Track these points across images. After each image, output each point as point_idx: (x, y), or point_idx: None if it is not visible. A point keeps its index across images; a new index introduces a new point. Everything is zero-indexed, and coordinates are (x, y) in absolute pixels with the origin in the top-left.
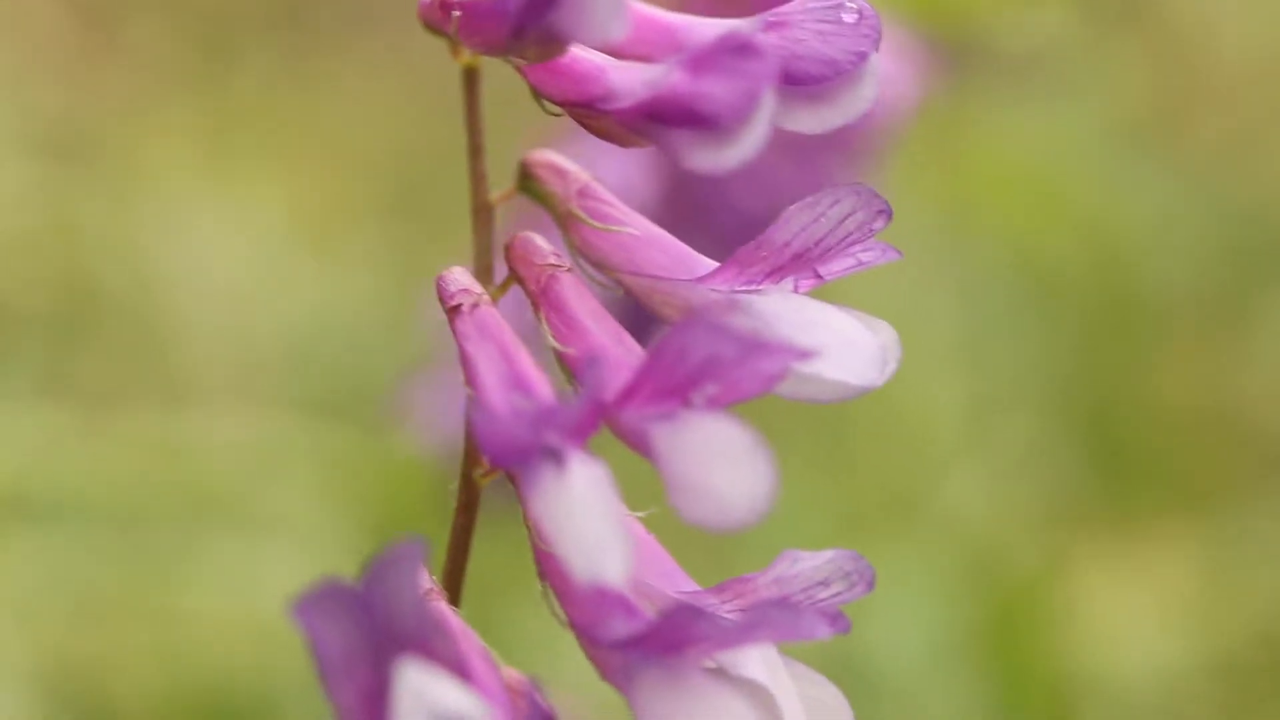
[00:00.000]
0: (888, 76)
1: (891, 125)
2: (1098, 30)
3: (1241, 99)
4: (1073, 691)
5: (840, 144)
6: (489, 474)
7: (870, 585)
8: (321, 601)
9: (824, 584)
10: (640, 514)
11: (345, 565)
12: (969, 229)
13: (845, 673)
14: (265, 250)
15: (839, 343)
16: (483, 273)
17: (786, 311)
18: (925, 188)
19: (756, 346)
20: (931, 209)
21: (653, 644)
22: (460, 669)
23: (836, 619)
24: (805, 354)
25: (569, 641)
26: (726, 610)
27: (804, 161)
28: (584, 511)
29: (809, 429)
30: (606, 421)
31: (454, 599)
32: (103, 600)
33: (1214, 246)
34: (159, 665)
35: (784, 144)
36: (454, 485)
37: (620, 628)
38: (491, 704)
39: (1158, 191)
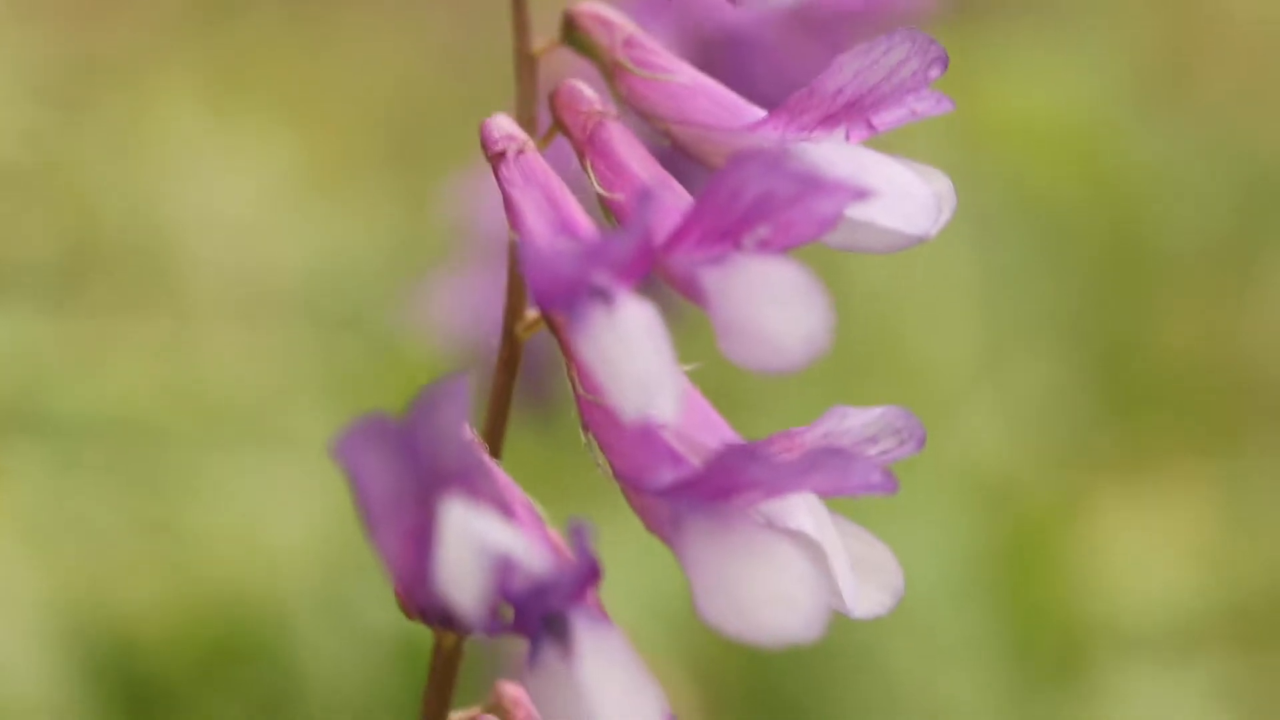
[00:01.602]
0: None
1: (916, 10)
2: None
3: (1253, 50)
4: (1084, 630)
5: (864, 29)
6: (531, 327)
7: (921, 444)
8: (365, 438)
9: (873, 440)
10: (687, 367)
11: None
12: (982, 173)
13: None
14: (270, 195)
15: (893, 189)
16: (527, 123)
17: (839, 158)
18: (939, 130)
19: (812, 184)
20: (944, 152)
21: (702, 489)
22: (505, 511)
23: (887, 476)
24: (861, 194)
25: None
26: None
27: (827, 46)
28: (635, 348)
29: (821, 367)
30: (655, 267)
31: (494, 455)
32: (112, 518)
33: (1223, 196)
34: (169, 583)
35: (806, 28)
36: (495, 340)
37: (668, 474)
38: (537, 543)
39: (1169, 140)
